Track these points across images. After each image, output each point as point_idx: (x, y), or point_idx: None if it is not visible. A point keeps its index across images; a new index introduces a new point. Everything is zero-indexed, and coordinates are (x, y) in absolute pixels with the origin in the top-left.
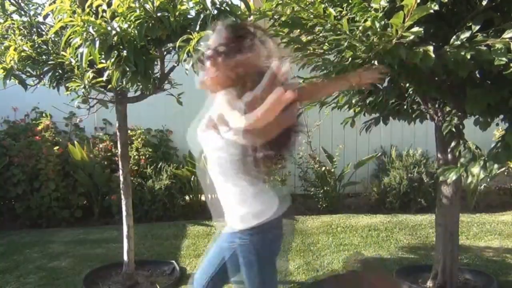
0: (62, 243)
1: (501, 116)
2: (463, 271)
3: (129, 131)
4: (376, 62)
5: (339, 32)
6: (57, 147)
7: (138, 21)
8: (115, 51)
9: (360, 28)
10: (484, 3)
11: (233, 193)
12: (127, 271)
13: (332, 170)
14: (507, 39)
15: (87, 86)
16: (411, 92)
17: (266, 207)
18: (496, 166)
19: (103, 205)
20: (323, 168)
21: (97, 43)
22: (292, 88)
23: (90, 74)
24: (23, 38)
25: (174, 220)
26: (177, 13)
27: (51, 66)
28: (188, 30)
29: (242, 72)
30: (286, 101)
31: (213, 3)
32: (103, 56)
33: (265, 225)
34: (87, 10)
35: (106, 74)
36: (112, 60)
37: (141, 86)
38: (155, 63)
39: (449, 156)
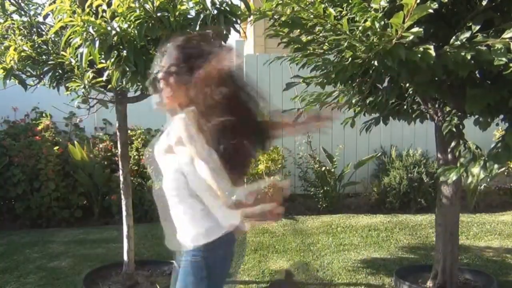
0: (62, 243)
1: (501, 116)
2: (463, 271)
3: (129, 131)
4: (376, 62)
5: (339, 32)
6: (57, 147)
7: (138, 21)
8: (115, 51)
9: (360, 28)
10: (484, 3)
11: (184, 213)
12: (127, 271)
13: (332, 170)
14: (507, 39)
15: (87, 86)
16: (411, 92)
17: (217, 224)
18: (496, 166)
19: (103, 205)
20: (323, 168)
21: (97, 43)
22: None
23: (90, 74)
24: (23, 38)
25: None
26: (177, 13)
27: (51, 66)
28: (188, 30)
29: (196, 90)
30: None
31: (213, 3)
32: (103, 56)
33: (216, 241)
34: (87, 10)
35: (106, 74)
36: (112, 60)
37: (141, 86)
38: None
39: (449, 156)
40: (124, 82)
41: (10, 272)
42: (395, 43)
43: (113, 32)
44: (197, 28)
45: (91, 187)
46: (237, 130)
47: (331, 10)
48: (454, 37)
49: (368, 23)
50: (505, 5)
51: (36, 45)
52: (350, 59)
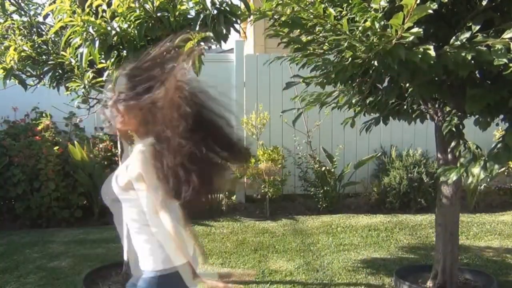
0: (62, 243)
1: (501, 116)
2: (463, 271)
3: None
4: (376, 62)
5: (339, 32)
6: (57, 147)
7: (138, 21)
8: (115, 51)
9: (360, 28)
10: (484, 3)
11: (145, 241)
12: (127, 271)
13: (332, 170)
14: (507, 39)
15: (87, 86)
16: (411, 92)
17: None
18: (496, 166)
19: (103, 205)
20: (323, 168)
21: (97, 43)
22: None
23: (90, 74)
24: (23, 38)
25: None
26: (177, 13)
27: (51, 66)
28: (188, 30)
29: (147, 116)
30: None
31: (213, 3)
32: (103, 56)
33: (172, 275)
34: (87, 10)
35: (106, 74)
36: (112, 60)
37: None
38: None
39: (449, 156)
40: None
41: (10, 272)
42: (395, 43)
43: (113, 32)
44: (197, 28)
45: (91, 187)
46: (201, 152)
47: (331, 10)
48: (454, 37)
49: (368, 23)
50: (505, 5)
51: (36, 45)
52: (350, 59)
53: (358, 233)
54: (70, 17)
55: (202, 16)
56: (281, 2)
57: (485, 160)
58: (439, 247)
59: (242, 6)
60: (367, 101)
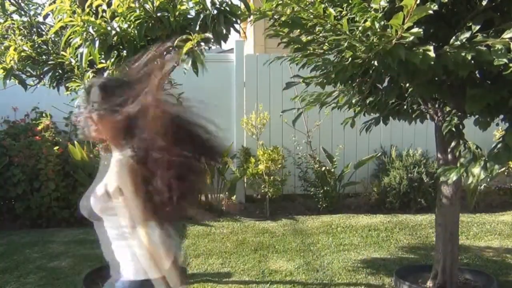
0: (62, 243)
1: (501, 116)
2: (463, 271)
3: None
4: (376, 62)
5: (339, 32)
6: (57, 147)
7: (138, 21)
8: (115, 51)
9: (360, 28)
10: (484, 3)
11: (126, 249)
12: None
13: (332, 170)
14: (507, 39)
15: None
16: (411, 92)
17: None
18: (497, 166)
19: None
20: (323, 168)
21: (97, 43)
22: None
23: (90, 74)
24: (23, 38)
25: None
26: (177, 13)
27: (51, 66)
28: (188, 30)
29: (122, 128)
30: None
31: (213, 3)
32: (103, 56)
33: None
34: (87, 10)
35: (106, 74)
36: (112, 60)
37: None
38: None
39: (449, 156)
40: None
41: (10, 272)
42: (395, 43)
43: (113, 32)
44: (197, 28)
45: None
46: (180, 162)
47: (331, 10)
48: (454, 37)
49: (368, 23)
50: (505, 5)
51: (36, 45)
52: (350, 59)
53: (358, 233)
54: (70, 17)
55: (202, 16)
56: (281, 2)
57: (485, 160)
58: (439, 247)
59: (242, 6)
60: (367, 101)
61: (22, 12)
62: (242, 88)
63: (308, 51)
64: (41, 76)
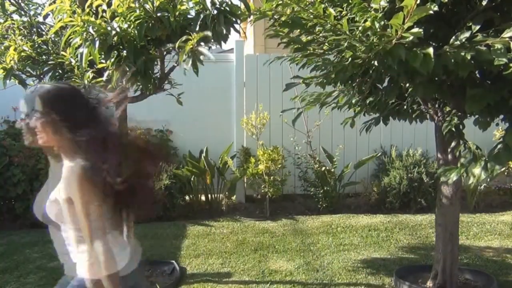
0: None
1: (501, 116)
2: (463, 271)
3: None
4: (376, 62)
5: (339, 32)
6: None
7: (138, 21)
8: (115, 51)
9: (360, 28)
10: (484, 3)
11: (80, 251)
12: None
13: (332, 170)
14: (507, 39)
15: (87, 86)
16: (411, 92)
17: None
18: (497, 167)
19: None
20: (323, 168)
21: (97, 43)
22: None
23: (90, 74)
24: (23, 38)
25: (174, 220)
26: (177, 13)
27: (51, 66)
28: (188, 30)
29: (65, 135)
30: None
31: (213, 3)
32: (103, 56)
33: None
34: (87, 10)
35: (106, 74)
36: (112, 60)
37: (141, 86)
38: (155, 63)
39: (449, 156)
40: (124, 82)
41: (10, 272)
42: (395, 43)
43: (113, 32)
44: (197, 28)
45: None
46: (128, 169)
47: (331, 10)
48: (453, 37)
49: (368, 23)
50: (505, 5)
51: (36, 45)
52: (350, 59)
53: (358, 233)
54: (70, 17)
55: (202, 16)
56: (281, 2)
57: (486, 161)
58: (439, 247)
59: (242, 6)
60: (367, 101)
61: (22, 12)
62: (242, 88)
63: (308, 51)
64: (41, 76)
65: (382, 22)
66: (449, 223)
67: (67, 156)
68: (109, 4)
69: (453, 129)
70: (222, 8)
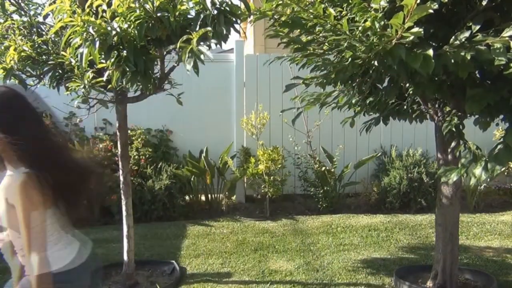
0: None
1: (501, 116)
2: (463, 271)
3: (129, 131)
4: (376, 62)
5: (339, 32)
6: None
7: (138, 21)
8: (115, 51)
9: (360, 28)
10: (484, 3)
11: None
12: (127, 271)
13: (332, 170)
14: (507, 38)
15: (87, 86)
16: (411, 92)
17: (57, 257)
18: (498, 167)
19: (103, 205)
20: (323, 168)
21: (97, 43)
22: None
23: (90, 74)
24: (23, 38)
25: (174, 220)
26: (177, 13)
27: (51, 66)
28: (188, 30)
29: (4, 143)
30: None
31: (213, 3)
32: (103, 56)
33: (60, 275)
34: (87, 10)
35: (106, 74)
36: (112, 60)
37: (141, 86)
38: (155, 63)
39: (450, 156)
40: (124, 82)
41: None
42: (395, 43)
43: (113, 32)
44: (197, 28)
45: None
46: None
47: (331, 10)
48: (453, 37)
49: (368, 23)
50: (505, 5)
51: (36, 45)
52: (350, 59)
53: (358, 233)
54: (70, 17)
55: (202, 16)
56: (281, 2)
57: (486, 161)
58: (439, 247)
59: (242, 6)
60: (367, 101)
61: (22, 12)
62: (242, 88)
63: (308, 51)
64: (41, 76)
65: (382, 22)
66: (449, 223)
67: (10, 164)
68: (109, 4)
69: (453, 129)
70: (222, 8)
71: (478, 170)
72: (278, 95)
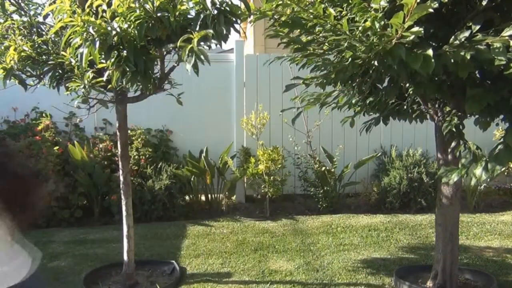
0: (62, 243)
1: (501, 116)
2: (463, 271)
3: (129, 131)
4: (376, 62)
5: (339, 32)
6: (57, 147)
7: (138, 21)
8: (115, 51)
9: (360, 28)
10: (484, 3)
11: None
12: (127, 271)
13: (332, 170)
14: (506, 37)
15: (87, 86)
16: (411, 92)
17: None
18: (498, 167)
19: (103, 205)
20: (323, 168)
21: (97, 43)
22: None
23: (90, 74)
24: (23, 38)
25: (174, 220)
26: (177, 13)
27: (51, 66)
28: (188, 30)
29: None
30: None
31: (213, 3)
32: (103, 56)
33: None
34: (87, 10)
35: (106, 74)
36: (112, 60)
37: (141, 86)
38: (155, 63)
39: (450, 156)
40: (124, 82)
41: None
42: (395, 43)
43: (113, 32)
44: (197, 28)
45: (91, 187)
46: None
47: (331, 10)
48: (453, 37)
49: (368, 23)
50: (505, 5)
51: (36, 45)
52: (350, 59)
53: (358, 233)
54: (70, 17)
55: (202, 16)
56: (281, 2)
57: (486, 161)
58: (439, 247)
59: (242, 6)
60: (367, 101)
61: (22, 12)
62: (242, 88)
63: (308, 51)
64: (41, 76)
65: (382, 22)
66: (449, 223)
67: None
68: (109, 4)
69: (453, 129)
70: (222, 8)
71: (478, 171)
72: (278, 95)
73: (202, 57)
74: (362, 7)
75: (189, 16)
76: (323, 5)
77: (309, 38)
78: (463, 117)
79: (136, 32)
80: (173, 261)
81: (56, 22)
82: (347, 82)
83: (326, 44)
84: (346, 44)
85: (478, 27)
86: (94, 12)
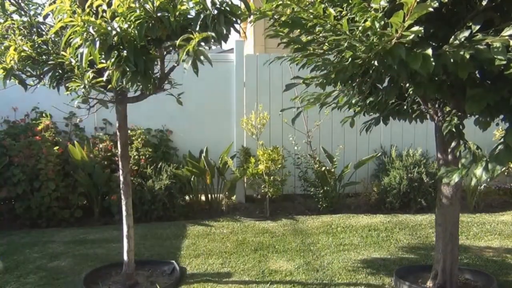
0: (62, 243)
1: (501, 116)
2: (463, 271)
3: (129, 131)
4: (376, 62)
5: (339, 32)
6: (57, 147)
7: (138, 21)
8: (115, 51)
9: (360, 28)
10: (484, 3)
11: None
12: (127, 271)
13: (332, 170)
14: (506, 37)
15: (87, 86)
16: (411, 92)
17: None
18: (498, 167)
19: (103, 205)
20: (323, 168)
21: (97, 43)
22: None
23: (90, 74)
24: (23, 38)
25: (174, 220)
26: (177, 13)
27: (51, 66)
28: (189, 30)
29: None
30: None
31: (213, 3)
32: (103, 56)
33: None
34: (87, 10)
35: (106, 74)
36: (112, 60)
37: (141, 86)
38: (155, 63)
39: (450, 156)
40: (124, 82)
41: (10, 272)
42: (395, 42)
43: (113, 32)
44: (197, 28)
45: (91, 187)
46: None
47: (331, 10)
48: (453, 37)
49: (368, 23)
50: (505, 5)
51: (36, 45)
52: (350, 59)
53: (358, 233)
54: (70, 17)
55: (202, 16)
56: (281, 2)
57: (487, 161)
58: (439, 247)
59: (242, 6)
60: (367, 101)
61: (22, 12)
62: (242, 88)
63: (308, 51)
64: (41, 76)
65: (382, 22)
66: (449, 223)
67: None
68: (109, 4)
69: (453, 129)
70: (222, 8)
71: (478, 171)
72: (278, 95)
73: (202, 57)
74: (362, 7)
75: (189, 16)
76: (323, 5)
77: (309, 38)
78: (463, 117)
79: (136, 32)
80: (173, 261)
81: (56, 22)
82: (347, 82)
83: (326, 44)
84: (346, 44)
85: (478, 27)
86: (94, 12)
